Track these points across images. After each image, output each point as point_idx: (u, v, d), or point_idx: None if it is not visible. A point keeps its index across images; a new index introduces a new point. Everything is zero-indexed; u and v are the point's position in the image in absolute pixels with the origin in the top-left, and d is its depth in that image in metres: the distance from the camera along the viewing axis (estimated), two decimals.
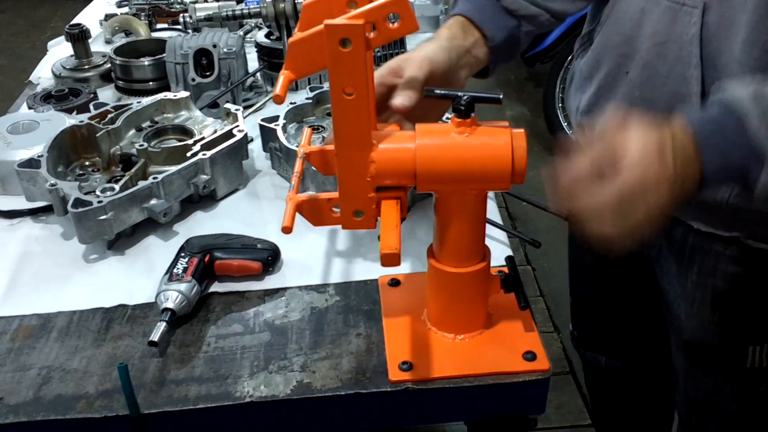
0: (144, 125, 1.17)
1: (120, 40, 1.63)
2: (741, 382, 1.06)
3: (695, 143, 0.70)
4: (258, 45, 1.48)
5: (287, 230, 0.74)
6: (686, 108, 0.86)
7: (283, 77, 0.72)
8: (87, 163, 1.13)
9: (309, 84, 1.30)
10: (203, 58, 1.34)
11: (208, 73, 1.34)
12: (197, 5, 1.71)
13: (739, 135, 0.69)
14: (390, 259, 0.67)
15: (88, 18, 1.89)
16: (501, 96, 0.72)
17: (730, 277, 0.97)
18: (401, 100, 0.79)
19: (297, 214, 0.77)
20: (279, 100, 0.71)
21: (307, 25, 0.76)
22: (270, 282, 0.94)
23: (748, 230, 0.93)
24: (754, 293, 0.98)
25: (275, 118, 1.15)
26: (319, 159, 0.78)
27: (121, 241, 1.02)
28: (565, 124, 2.98)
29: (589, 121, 1.02)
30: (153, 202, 1.01)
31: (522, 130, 0.72)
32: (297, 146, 1.09)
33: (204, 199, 1.10)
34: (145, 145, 1.09)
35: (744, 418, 1.10)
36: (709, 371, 1.08)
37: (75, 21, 1.65)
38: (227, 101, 1.29)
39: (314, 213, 0.78)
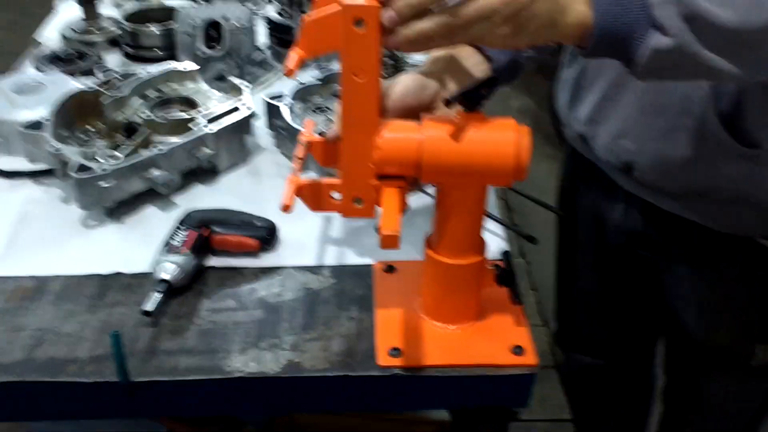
0: (150, 94, 1.17)
1: (130, 5, 1.62)
2: (745, 381, 1.08)
3: None
4: (268, 20, 1.47)
5: (287, 209, 0.75)
6: (699, 112, 0.86)
7: (295, 54, 0.72)
8: (90, 128, 1.13)
9: (318, 64, 1.30)
10: (213, 31, 1.34)
11: (216, 46, 1.34)
12: None
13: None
14: (389, 241, 0.68)
15: None
16: (495, 76, 0.72)
17: (745, 278, 0.98)
18: None
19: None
20: (290, 74, 0.71)
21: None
22: (266, 260, 0.95)
23: (763, 229, 0.93)
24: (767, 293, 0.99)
25: (281, 96, 1.15)
26: (321, 150, 0.78)
27: (120, 210, 1.02)
28: None
29: (593, 131, 1.02)
30: (155, 172, 1.01)
31: (527, 128, 0.72)
32: (301, 126, 1.09)
33: (205, 173, 1.10)
34: (151, 115, 1.09)
35: (744, 416, 1.12)
36: (715, 371, 1.10)
37: None
38: (234, 75, 1.29)
39: (314, 198, 0.79)
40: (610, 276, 1.22)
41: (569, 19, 0.67)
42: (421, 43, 0.65)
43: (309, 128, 0.87)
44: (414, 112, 0.80)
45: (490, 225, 1.01)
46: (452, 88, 0.83)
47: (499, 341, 0.83)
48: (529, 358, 0.82)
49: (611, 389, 1.42)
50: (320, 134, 0.83)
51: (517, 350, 0.82)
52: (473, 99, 0.71)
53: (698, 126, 0.88)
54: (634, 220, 1.07)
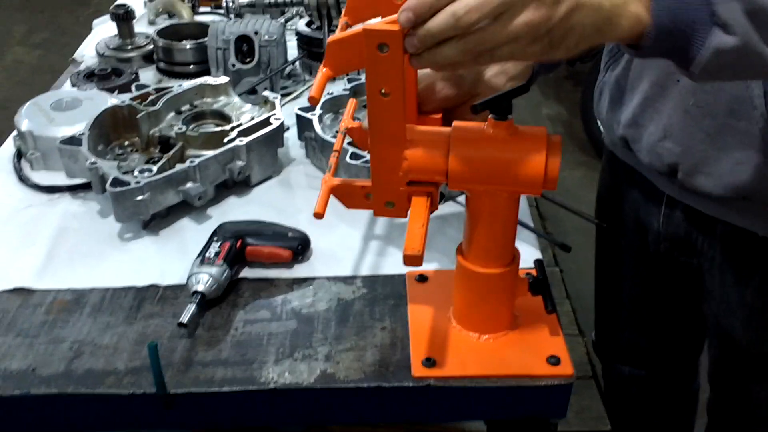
0: (183, 108, 1.19)
1: (163, 22, 1.66)
2: None
3: None
4: (298, 33, 1.49)
5: (319, 216, 0.75)
6: (748, 113, 0.84)
7: (320, 75, 0.72)
8: (126, 143, 1.15)
9: (347, 75, 1.31)
10: (244, 45, 1.36)
11: (248, 60, 1.35)
12: None
13: None
14: (412, 260, 0.68)
15: None
16: (526, 83, 0.71)
17: None
18: None
19: (331, 200, 0.78)
20: (314, 101, 0.72)
21: (354, 11, 0.76)
22: (299, 271, 0.95)
23: None
24: None
25: (312, 108, 1.15)
26: (360, 135, 0.79)
27: (155, 222, 1.04)
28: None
29: (635, 133, 1.00)
30: (189, 185, 1.02)
31: (558, 137, 0.71)
32: (332, 137, 1.10)
33: (238, 185, 1.11)
34: (184, 128, 1.11)
35: None
36: (762, 381, 1.07)
37: (120, 1, 1.67)
38: (265, 88, 1.30)
39: (348, 197, 0.79)
40: (652, 283, 1.20)
41: (623, 21, 0.63)
42: (447, 66, 0.64)
43: (351, 109, 0.87)
44: (457, 99, 0.81)
45: (523, 234, 1.00)
46: (492, 70, 0.83)
47: (534, 351, 0.82)
48: (566, 369, 0.80)
49: (653, 401, 1.39)
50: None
51: (553, 360, 0.81)
52: (502, 106, 0.71)
53: (747, 127, 0.86)
54: (676, 226, 1.04)
